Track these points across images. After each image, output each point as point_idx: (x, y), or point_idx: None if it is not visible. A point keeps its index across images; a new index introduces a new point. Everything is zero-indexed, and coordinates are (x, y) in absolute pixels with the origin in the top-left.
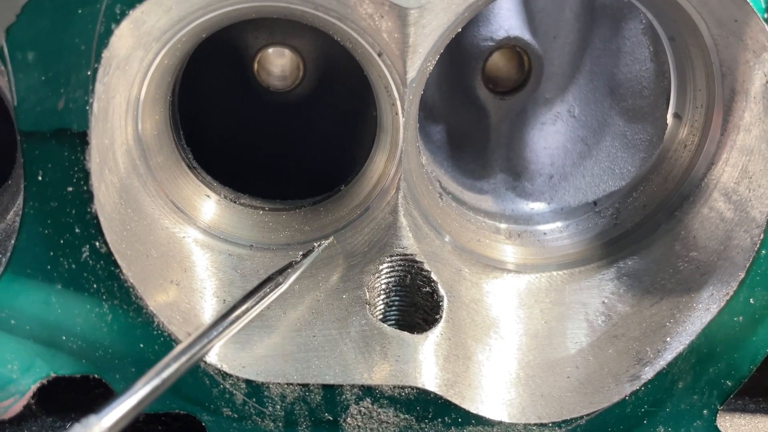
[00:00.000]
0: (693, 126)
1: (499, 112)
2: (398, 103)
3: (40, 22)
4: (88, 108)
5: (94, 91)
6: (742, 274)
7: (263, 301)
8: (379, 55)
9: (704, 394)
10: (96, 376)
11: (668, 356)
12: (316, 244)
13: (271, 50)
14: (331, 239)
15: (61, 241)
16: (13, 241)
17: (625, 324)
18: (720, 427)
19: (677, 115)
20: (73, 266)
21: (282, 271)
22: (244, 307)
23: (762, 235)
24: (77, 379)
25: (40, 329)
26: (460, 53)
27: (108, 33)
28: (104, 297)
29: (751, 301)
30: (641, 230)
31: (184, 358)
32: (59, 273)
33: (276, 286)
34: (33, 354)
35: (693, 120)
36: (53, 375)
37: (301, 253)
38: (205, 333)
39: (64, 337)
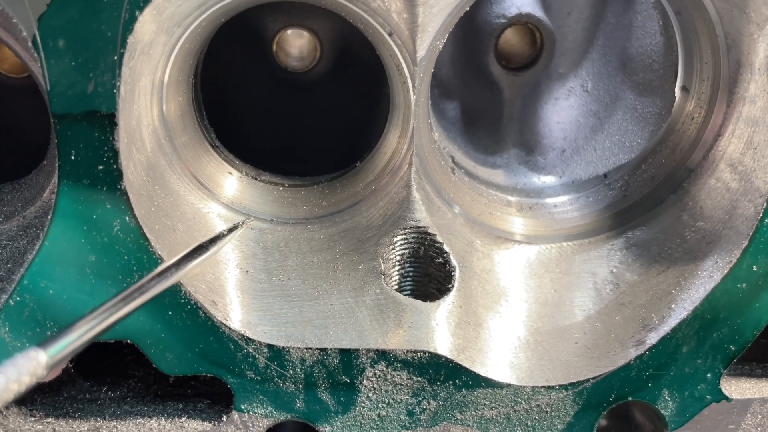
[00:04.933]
0: (700, 99)
1: (512, 88)
2: (409, 81)
3: (69, 10)
4: (115, 91)
5: (120, 75)
6: (746, 242)
7: (189, 266)
8: (390, 35)
9: (708, 358)
10: (128, 341)
11: (673, 322)
12: (240, 222)
13: (289, 32)
14: (251, 219)
15: (94, 217)
16: (50, 217)
17: (633, 292)
18: (724, 391)
19: (685, 88)
20: (106, 240)
21: (213, 241)
22: (174, 270)
23: (765, 204)
24: (111, 345)
25: (77, 298)
26: (473, 31)
27: (132, 20)
28: (135, 268)
29: (754, 268)
30: (650, 201)
31: (121, 312)
32: (93, 246)
33: (204, 252)
34: (70, 320)
35: (700, 93)
36: None
37: (227, 228)
38: (143, 285)
39: None
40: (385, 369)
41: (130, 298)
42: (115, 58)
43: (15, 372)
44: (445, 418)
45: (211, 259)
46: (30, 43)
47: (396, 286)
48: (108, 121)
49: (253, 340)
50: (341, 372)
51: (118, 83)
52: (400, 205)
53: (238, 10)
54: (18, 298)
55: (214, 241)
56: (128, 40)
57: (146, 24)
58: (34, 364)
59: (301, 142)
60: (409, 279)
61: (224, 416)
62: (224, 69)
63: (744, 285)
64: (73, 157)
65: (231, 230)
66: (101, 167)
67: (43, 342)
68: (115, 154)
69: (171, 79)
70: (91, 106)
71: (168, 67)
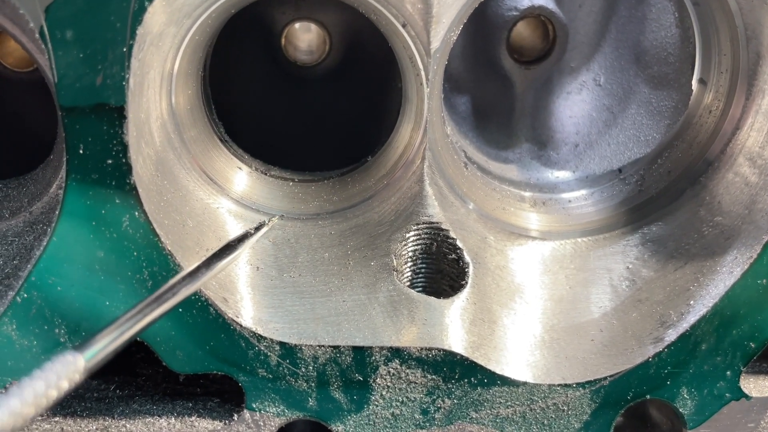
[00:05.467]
0: (718, 91)
1: (524, 81)
2: (423, 73)
3: (77, 0)
4: (124, 83)
5: (129, 67)
6: (766, 238)
7: (219, 266)
8: (404, 26)
9: (727, 355)
10: (138, 339)
11: (691, 319)
12: (266, 219)
13: (297, 25)
14: (278, 217)
15: (102, 212)
16: (57, 213)
17: (649, 288)
18: (744, 389)
19: (702, 81)
20: (114, 235)
21: (240, 239)
22: (204, 270)
23: None
24: None
25: (85, 295)
26: (485, 23)
27: (142, 10)
28: (144, 264)
29: None
30: (666, 196)
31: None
32: (101, 242)
33: (233, 251)
34: (79, 318)
35: (718, 85)
36: None
37: (254, 226)
38: (174, 285)
39: (107, 303)
40: (398, 367)
41: (163, 299)
42: (124, 49)
43: (54, 377)
44: (460, 417)
45: None
46: (37, 35)
47: (408, 283)
48: (117, 114)
49: (265, 338)
50: (354, 370)
51: (127, 75)
52: (412, 201)
53: (248, 1)
54: (25, 295)
55: (242, 239)
56: (137, 32)
57: (156, 15)
58: (72, 369)
59: (310, 137)
60: (421, 276)
61: (235, 415)
62: (233, 63)
63: (764, 281)
64: (81, 151)
65: (258, 228)
66: (110, 161)
67: (78, 345)
68: (124, 148)
69: (180, 71)
70: (100, 99)
71: (177, 59)
